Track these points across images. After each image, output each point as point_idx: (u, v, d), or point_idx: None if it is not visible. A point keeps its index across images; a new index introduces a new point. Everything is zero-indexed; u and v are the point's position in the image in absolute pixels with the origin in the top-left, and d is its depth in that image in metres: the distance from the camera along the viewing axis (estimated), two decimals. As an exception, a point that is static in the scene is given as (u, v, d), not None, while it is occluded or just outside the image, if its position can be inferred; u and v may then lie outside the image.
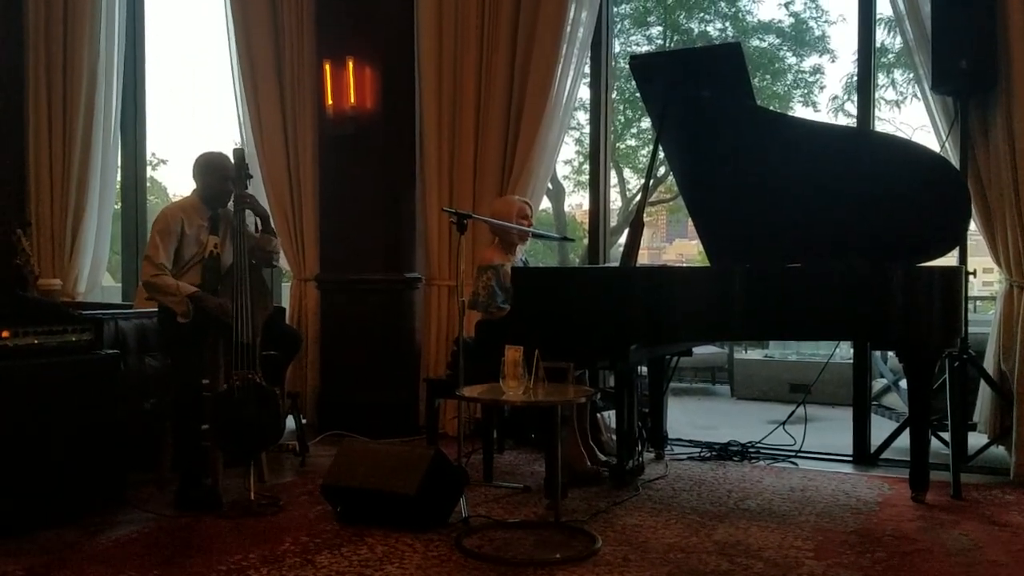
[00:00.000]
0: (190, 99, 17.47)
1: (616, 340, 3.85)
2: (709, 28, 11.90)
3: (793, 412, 4.92)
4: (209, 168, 3.86)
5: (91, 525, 3.44)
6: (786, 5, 11.59)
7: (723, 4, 11.83)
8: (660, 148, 4.39)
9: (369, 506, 3.43)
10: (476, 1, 5.08)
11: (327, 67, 5.27)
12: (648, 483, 4.09)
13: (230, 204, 3.89)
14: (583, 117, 9.52)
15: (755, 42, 11.67)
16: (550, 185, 10.11)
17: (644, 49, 11.89)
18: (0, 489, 3.25)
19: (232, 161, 3.88)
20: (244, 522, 3.49)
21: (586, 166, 10.17)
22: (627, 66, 8.69)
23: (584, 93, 5.58)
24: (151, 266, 3.74)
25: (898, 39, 7.77)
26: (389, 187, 5.33)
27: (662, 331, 3.96)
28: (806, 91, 11.94)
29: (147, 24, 6.63)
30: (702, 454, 4.70)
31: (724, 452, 4.71)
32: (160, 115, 12.02)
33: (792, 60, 11.91)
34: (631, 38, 12.16)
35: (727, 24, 11.95)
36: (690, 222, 4.95)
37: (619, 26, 11.76)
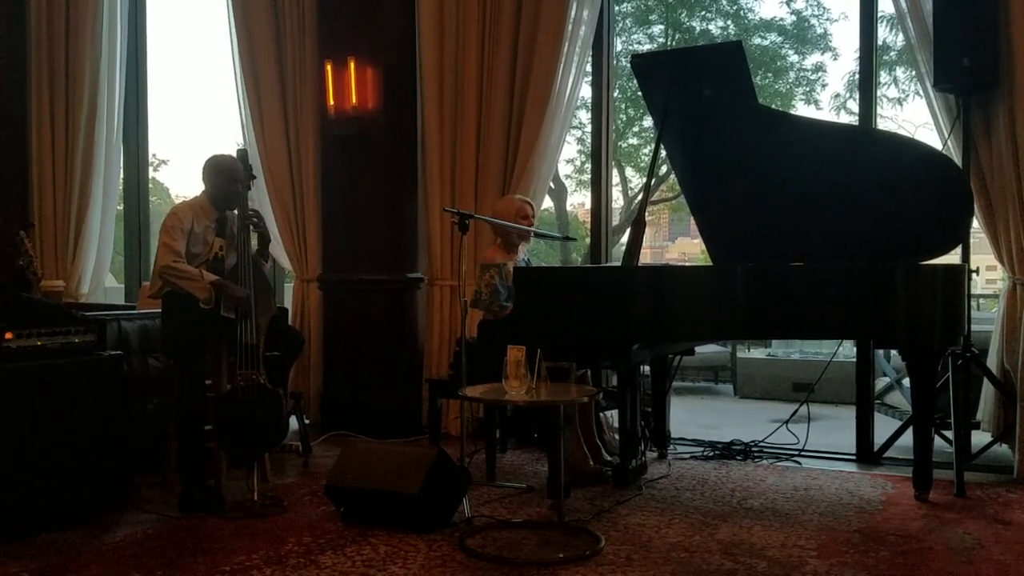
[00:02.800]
0: (192, 100, 17.49)
1: (618, 339, 3.85)
2: (711, 26, 11.89)
3: (796, 411, 4.91)
4: (218, 170, 3.87)
5: (95, 527, 3.44)
6: (788, 3, 11.58)
7: (725, 2, 11.81)
8: (662, 147, 4.39)
9: (372, 506, 3.43)
10: (477, 1, 5.08)
11: (328, 67, 5.28)
12: (651, 482, 4.10)
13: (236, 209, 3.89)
14: (585, 116, 9.53)
15: (757, 40, 11.64)
16: (552, 184, 10.08)
17: (646, 48, 11.89)
18: (4, 491, 3.26)
19: (241, 164, 3.89)
20: (247, 523, 3.50)
21: (588, 165, 10.19)
22: (629, 65, 8.70)
23: (586, 92, 5.57)
24: (170, 252, 3.69)
25: (900, 37, 7.76)
26: (391, 187, 5.33)
27: (665, 330, 3.97)
28: (808, 89, 11.92)
29: (149, 25, 6.66)
30: (705, 453, 4.70)
31: (727, 451, 4.71)
32: (162, 116, 12.03)
33: (794, 58, 11.89)
34: (633, 37, 12.16)
35: (729, 22, 11.93)
36: (692, 221, 4.94)
37: (620, 25, 11.74)
